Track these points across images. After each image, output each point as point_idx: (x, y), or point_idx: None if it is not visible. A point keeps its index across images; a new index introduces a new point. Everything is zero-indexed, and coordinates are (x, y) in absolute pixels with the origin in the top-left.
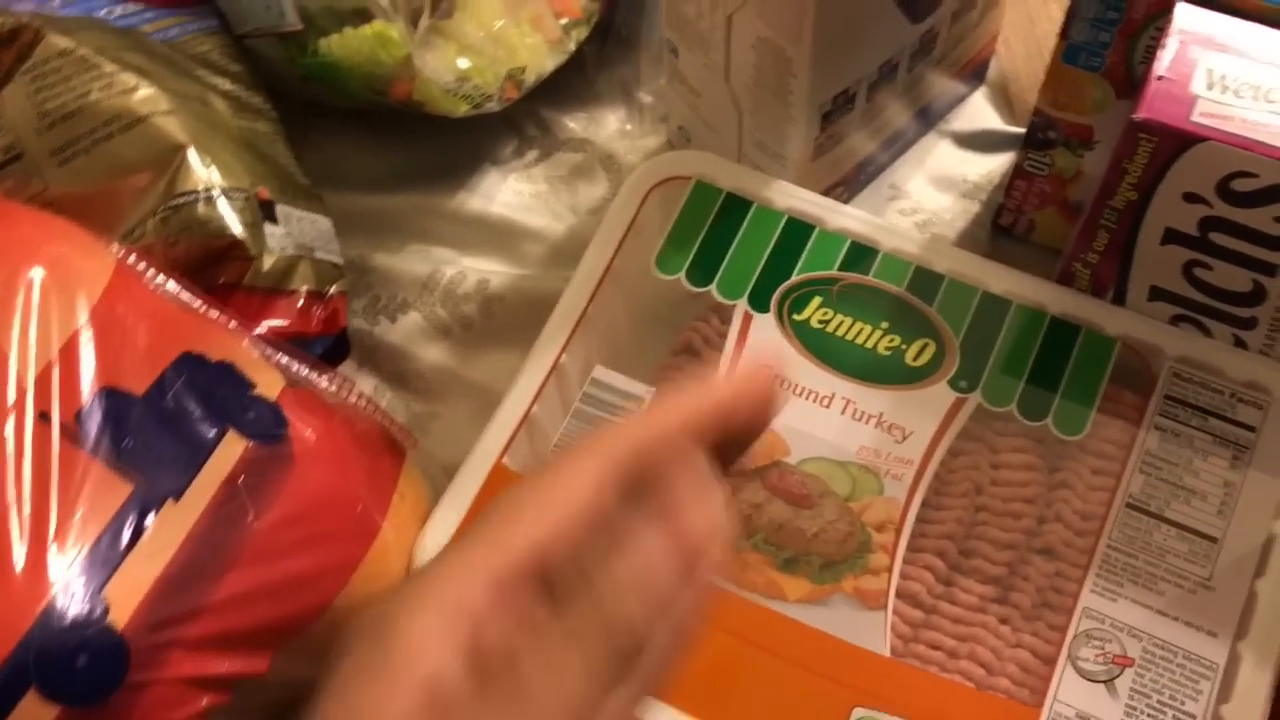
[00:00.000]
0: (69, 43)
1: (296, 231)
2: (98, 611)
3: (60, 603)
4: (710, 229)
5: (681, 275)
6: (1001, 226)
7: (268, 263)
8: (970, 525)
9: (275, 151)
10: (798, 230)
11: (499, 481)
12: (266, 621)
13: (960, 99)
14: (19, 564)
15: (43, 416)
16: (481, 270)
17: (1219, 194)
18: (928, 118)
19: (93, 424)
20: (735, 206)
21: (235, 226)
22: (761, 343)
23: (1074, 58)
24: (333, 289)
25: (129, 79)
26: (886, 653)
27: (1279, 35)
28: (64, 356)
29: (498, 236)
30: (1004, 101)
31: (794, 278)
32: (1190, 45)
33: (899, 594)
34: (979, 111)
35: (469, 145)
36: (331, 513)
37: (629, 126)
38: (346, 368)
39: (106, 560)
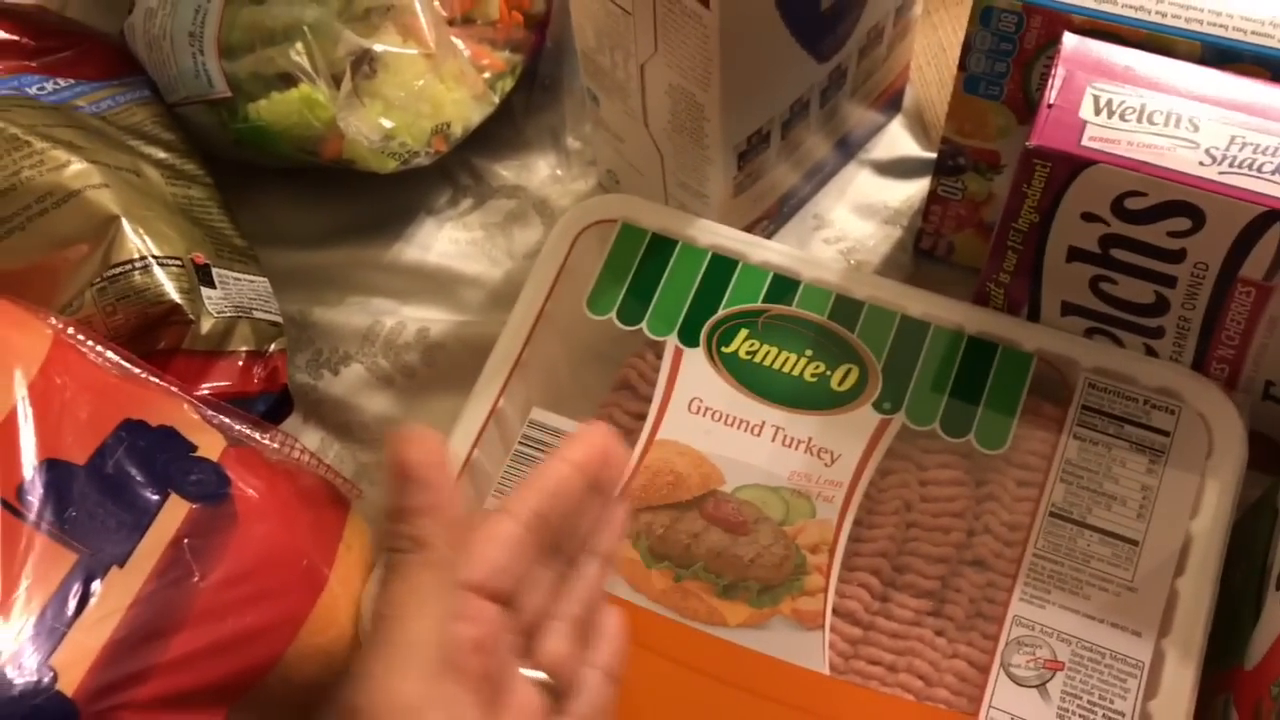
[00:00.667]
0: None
1: (234, 293)
2: (46, 680)
3: (9, 672)
4: (638, 269)
5: (613, 315)
6: (923, 250)
7: (206, 325)
8: (902, 542)
9: (210, 216)
10: (722, 266)
11: None
12: (217, 679)
13: (878, 128)
14: None
15: None
16: (421, 319)
17: (1114, 212)
18: (847, 148)
19: (34, 496)
20: (661, 246)
21: (172, 293)
22: (692, 376)
23: (974, 87)
24: (272, 347)
25: (60, 155)
26: (826, 671)
27: (1161, 61)
28: (2, 432)
29: (436, 285)
30: (920, 128)
31: (720, 312)
32: (1077, 73)
33: (836, 612)
34: (897, 140)
35: (404, 197)
36: (277, 568)
37: (559, 172)
38: (291, 423)
39: (53, 630)
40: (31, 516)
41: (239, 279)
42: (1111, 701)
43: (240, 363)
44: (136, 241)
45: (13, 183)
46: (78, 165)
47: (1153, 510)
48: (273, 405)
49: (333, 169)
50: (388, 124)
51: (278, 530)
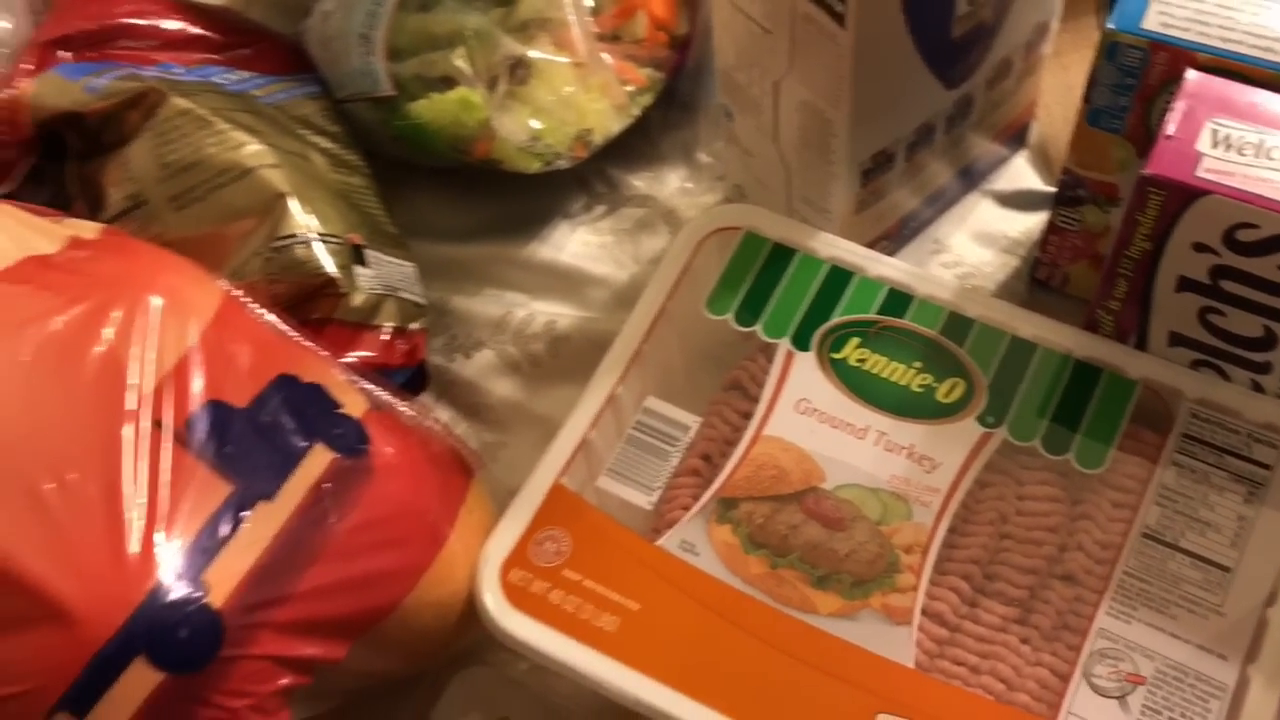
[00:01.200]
0: (188, 104)
1: (384, 274)
2: (198, 592)
3: (166, 583)
4: (758, 275)
5: (730, 316)
6: (1039, 280)
7: (357, 300)
8: (995, 551)
9: (367, 203)
10: (839, 277)
11: (557, 499)
12: (344, 613)
13: (1002, 161)
14: (133, 548)
15: (157, 424)
16: (550, 313)
17: (1225, 244)
18: (970, 178)
19: (200, 431)
20: (781, 255)
21: (329, 267)
22: (802, 378)
23: (1096, 120)
24: (414, 325)
25: (240, 136)
26: (911, 665)
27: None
28: (177, 373)
29: (566, 283)
30: (1044, 164)
31: (833, 320)
32: (1198, 108)
33: (925, 612)
34: (1020, 173)
35: (542, 201)
36: (404, 521)
37: (689, 185)
38: (424, 400)
39: (206, 549)
40: (195, 448)
41: (389, 261)
42: None
43: (385, 337)
44: (301, 218)
45: (197, 158)
46: (254, 146)
47: (1248, 540)
48: (410, 379)
49: (480, 169)
50: (536, 125)
51: (407, 487)
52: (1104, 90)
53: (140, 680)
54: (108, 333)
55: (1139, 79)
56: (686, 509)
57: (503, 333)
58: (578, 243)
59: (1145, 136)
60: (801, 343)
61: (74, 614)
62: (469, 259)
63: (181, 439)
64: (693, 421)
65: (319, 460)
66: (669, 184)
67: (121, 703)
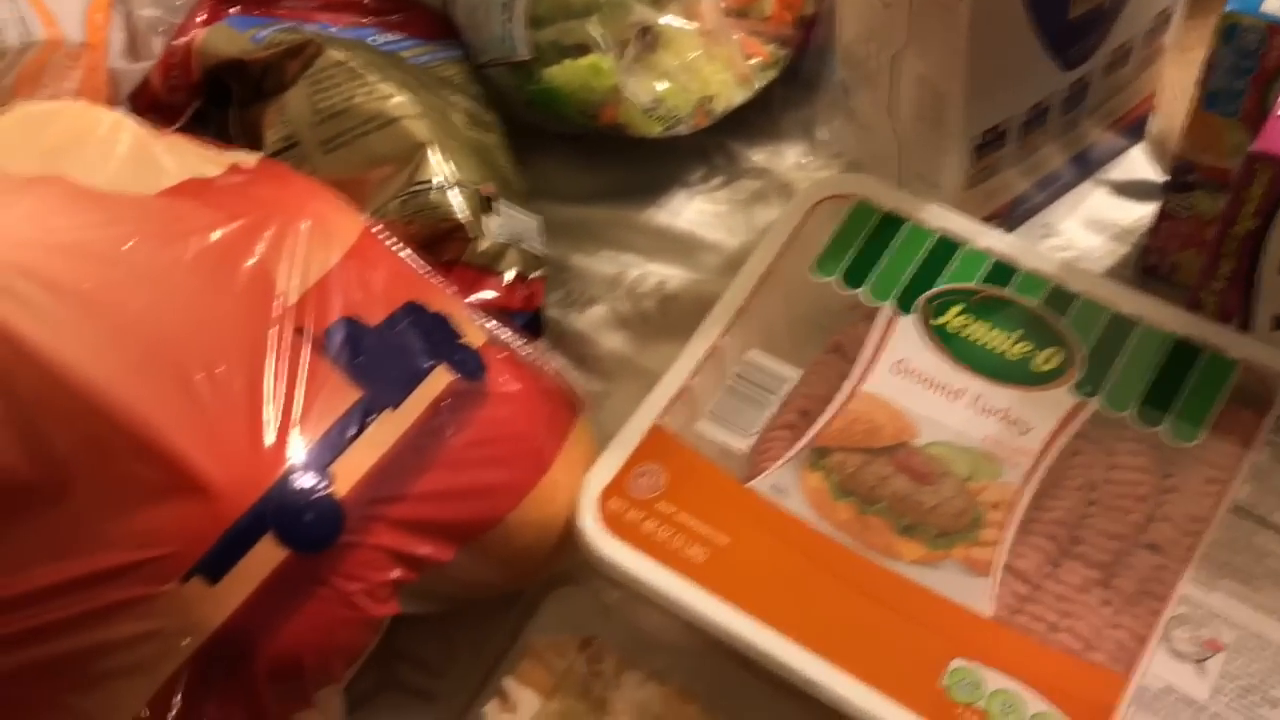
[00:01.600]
0: (343, 56)
1: (509, 224)
2: (324, 481)
3: (297, 470)
4: (866, 241)
5: (836, 278)
6: (1147, 267)
7: (483, 245)
8: (1081, 515)
9: (499, 160)
10: (945, 247)
11: (657, 438)
12: (452, 519)
13: (1119, 151)
14: (268, 438)
15: (298, 331)
16: (662, 274)
17: None
18: (1085, 165)
19: (336, 341)
20: (891, 224)
21: (461, 213)
22: (902, 340)
23: (1212, 104)
24: (534, 275)
25: (387, 88)
26: (990, 616)
27: None
28: (319, 288)
29: (679, 247)
30: (1163, 157)
31: (938, 287)
32: None
33: (1007, 568)
34: (1137, 164)
35: (663, 169)
36: (513, 443)
37: (806, 159)
38: (538, 345)
39: (334, 445)
40: (331, 355)
41: (516, 214)
42: (1270, 690)
43: (506, 282)
44: (438, 166)
45: (346, 106)
46: (399, 99)
47: None
48: (527, 324)
49: (605, 134)
50: (661, 86)
51: (518, 413)
52: (1221, 73)
53: (267, 555)
54: (260, 247)
55: (1256, 62)
56: (780, 455)
57: (616, 290)
58: (694, 210)
59: (1260, 120)
60: (905, 307)
61: (213, 489)
62: (589, 220)
63: (319, 346)
64: (792, 374)
65: (440, 380)
66: (786, 158)
67: (249, 573)
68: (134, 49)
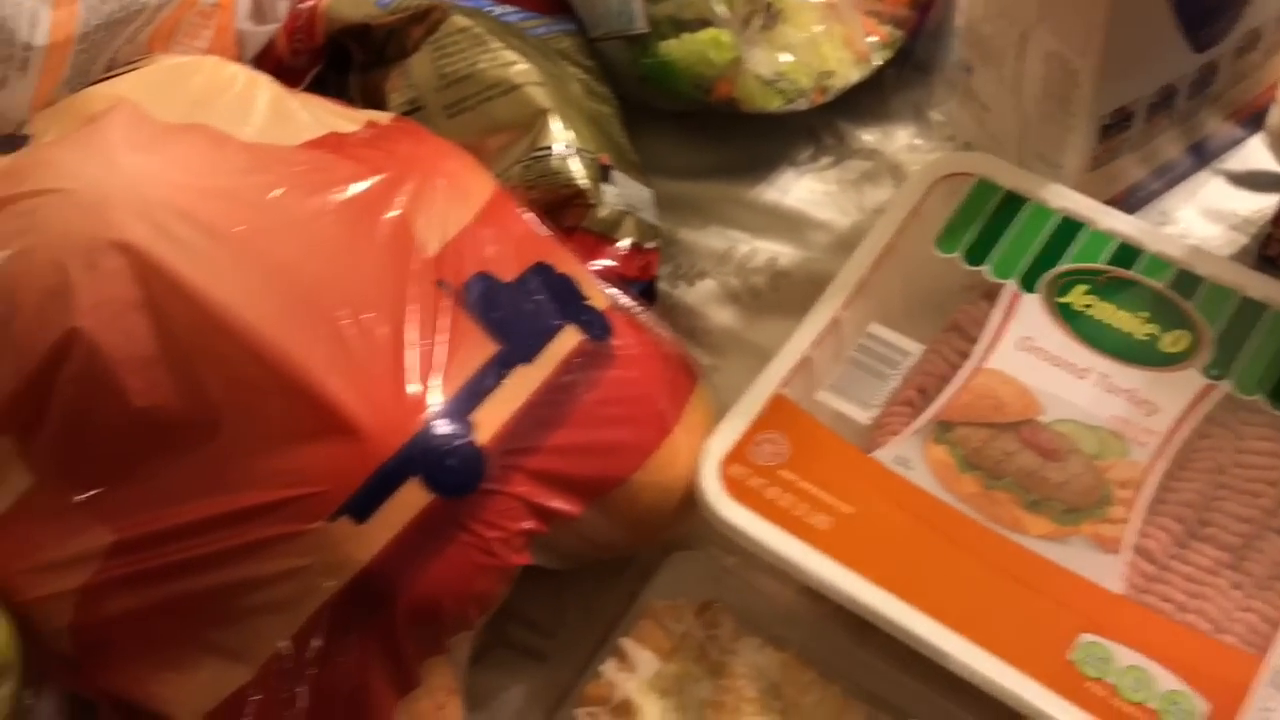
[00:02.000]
0: (468, 22)
1: (626, 194)
2: (466, 429)
3: (441, 416)
4: (989, 219)
5: (959, 255)
6: (1267, 257)
7: (602, 212)
8: (1210, 498)
9: (614, 131)
10: (1069, 227)
11: (778, 407)
12: (582, 475)
13: (1237, 141)
14: (412, 385)
15: (438, 283)
16: (772, 250)
17: None
18: (1202, 155)
19: (474, 295)
20: (1012, 203)
21: (581, 179)
22: (1026, 317)
23: None
24: (649, 244)
25: (510, 55)
26: (1119, 592)
27: None
28: (457, 243)
29: (789, 224)
30: None
31: (1062, 266)
32: None
33: (1136, 549)
34: (1255, 153)
35: (771, 147)
36: (638, 404)
37: (918, 141)
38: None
39: (475, 395)
40: (469, 308)
41: (631, 184)
42: None
43: (623, 250)
44: (560, 133)
45: (470, 72)
46: (521, 65)
47: None
48: (642, 292)
49: (717, 111)
50: (784, 59)
51: (642, 376)
52: None
53: (413, 498)
54: (400, 199)
55: None
56: (904, 428)
57: (725, 265)
58: (803, 189)
59: None
60: (1029, 284)
61: (362, 431)
62: (698, 196)
63: (459, 300)
64: (913, 349)
65: (570, 338)
66: (897, 140)
67: (395, 515)
68: (260, 11)
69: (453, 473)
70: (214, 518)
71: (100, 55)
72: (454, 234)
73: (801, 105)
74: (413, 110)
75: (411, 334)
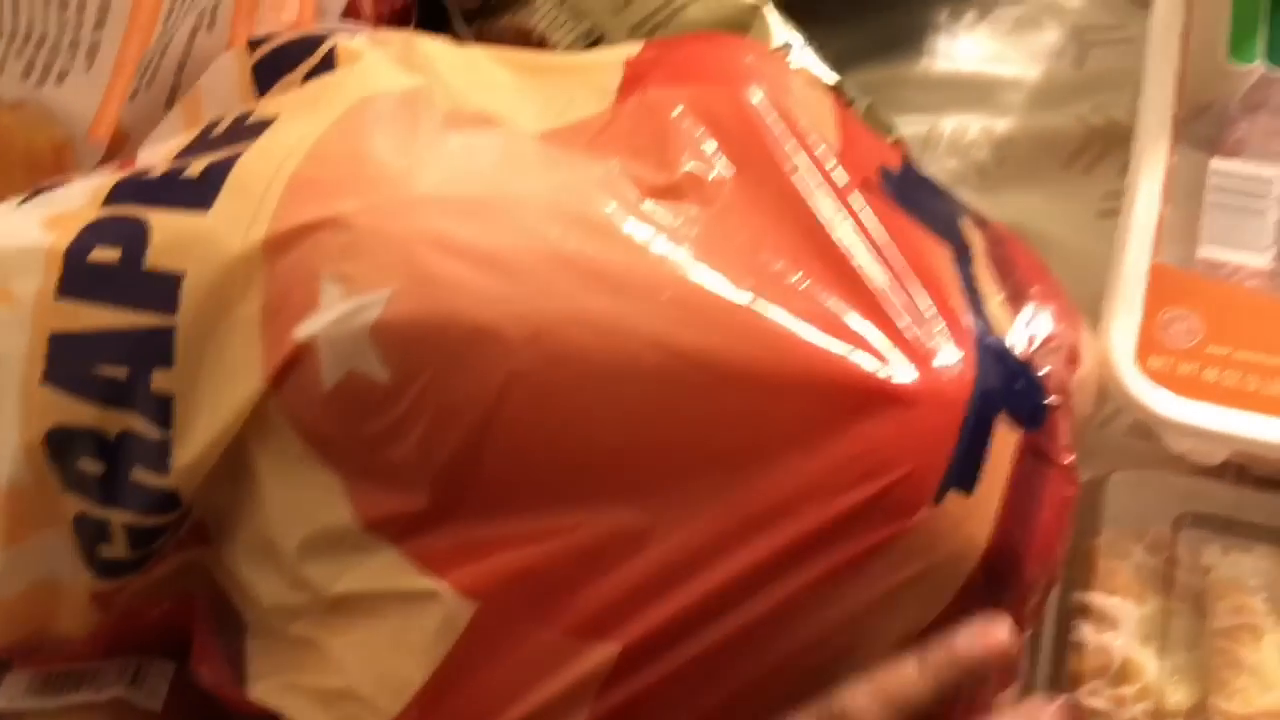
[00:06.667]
0: None
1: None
2: (1004, 340)
3: (980, 333)
4: (1272, 15)
5: (1260, 61)
6: None
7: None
8: None
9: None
10: None
11: (1163, 279)
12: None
13: None
14: (926, 308)
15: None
16: (979, 121)
17: None
18: None
19: (896, 194)
20: None
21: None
22: None
23: None
24: (893, 136)
25: None
26: None
27: None
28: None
29: (977, 91)
30: None
31: None
32: None
33: None
34: None
35: (904, 19)
36: (1041, 274)
37: None
38: None
39: (973, 299)
40: (904, 209)
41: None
42: None
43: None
44: (781, 28)
45: None
46: None
47: None
48: None
49: None
50: None
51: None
52: None
53: (1006, 441)
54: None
55: None
56: None
57: (935, 148)
58: (965, 53)
59: None
60: None
61: (921, 379)
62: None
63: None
64: (1271, 172)
65: (969, 223)
66: None
67: (999, 467)
68: None
69: (1026, 396)
70: (761, 564)
71: (177, 33)
72: (835, 132)
73: None
74: (594, 43)
75: (863, 258)
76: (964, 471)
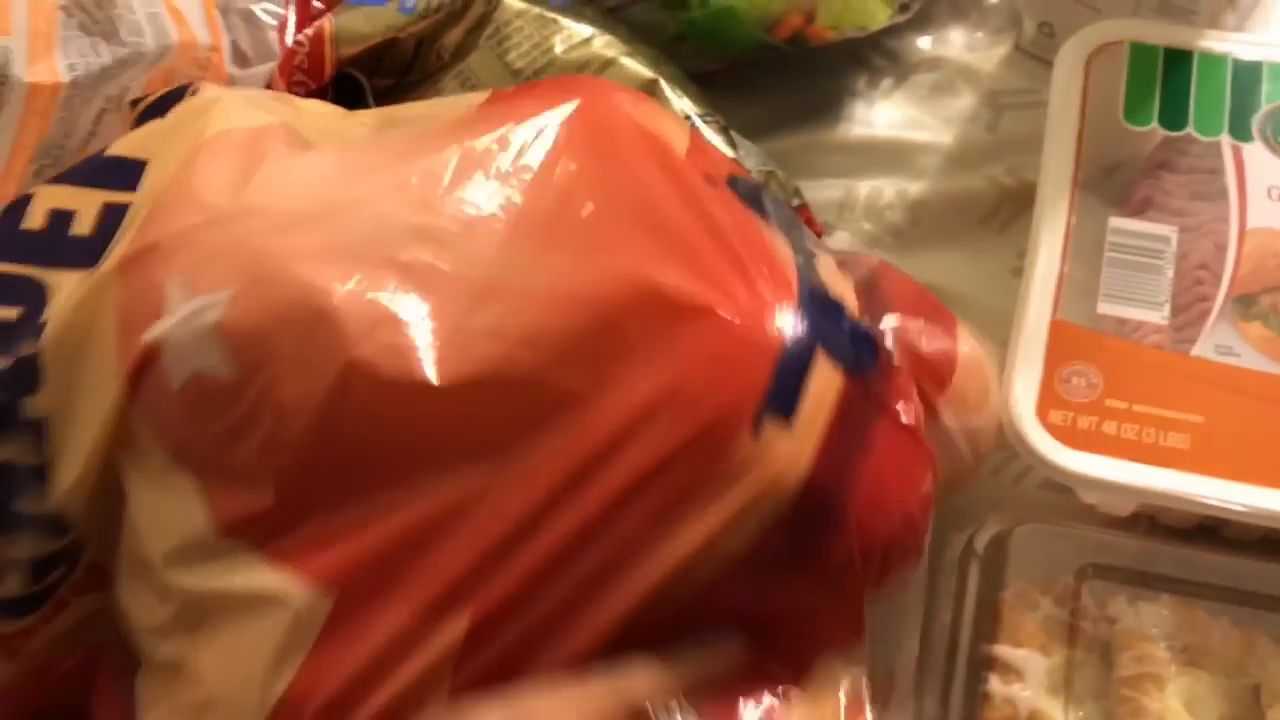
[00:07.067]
0: (523, 5)
1: (752, 154)
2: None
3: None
4: (1164, 81)
5: (1155, 124)
6: None
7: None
8: None
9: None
10: (1247, 69)
11: (1062, 335)
12: (923, 357)
13: None
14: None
15: (708, 178)
16: (893, 184)
17: None
18: None
19: (742, 191)
20: (1178, 59)
21: (723, 148)
22: (1259, 166)
23: None
24: (799, 202)
25: (583, 29)
26: None
27: None
28: (694, 148)
29: (892, 156)
30: None
31: (1265, 107)
32: None
33: None
34: None
35: (823, 86)
36: (921, 298)
37: (978, 35)
38: None
39: (810, 273)
40: (745, 201)
41: (747, 143)
42: None
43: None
44: (677, 101)
45: (550, 59)
46: (602, 37)
47: None
48: None
49: (774, 52)
50: None
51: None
52: None
53: (828, 378)
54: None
55: None
56: (1205, 316)
57: (851, 211)
58: (882, 117)
59: None
60: (1242, 133)
61: (744, 313)
62: (783, 151)
63: (735, 194)
64: (1166, 231)
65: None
66: (953, 43)
67: (820, 402)
68: (240, 55)
69: (851, 342)
70: (594, 513)
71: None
72: (685, 141)
73: (904, 16)
74: None
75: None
76: (781, 396)
